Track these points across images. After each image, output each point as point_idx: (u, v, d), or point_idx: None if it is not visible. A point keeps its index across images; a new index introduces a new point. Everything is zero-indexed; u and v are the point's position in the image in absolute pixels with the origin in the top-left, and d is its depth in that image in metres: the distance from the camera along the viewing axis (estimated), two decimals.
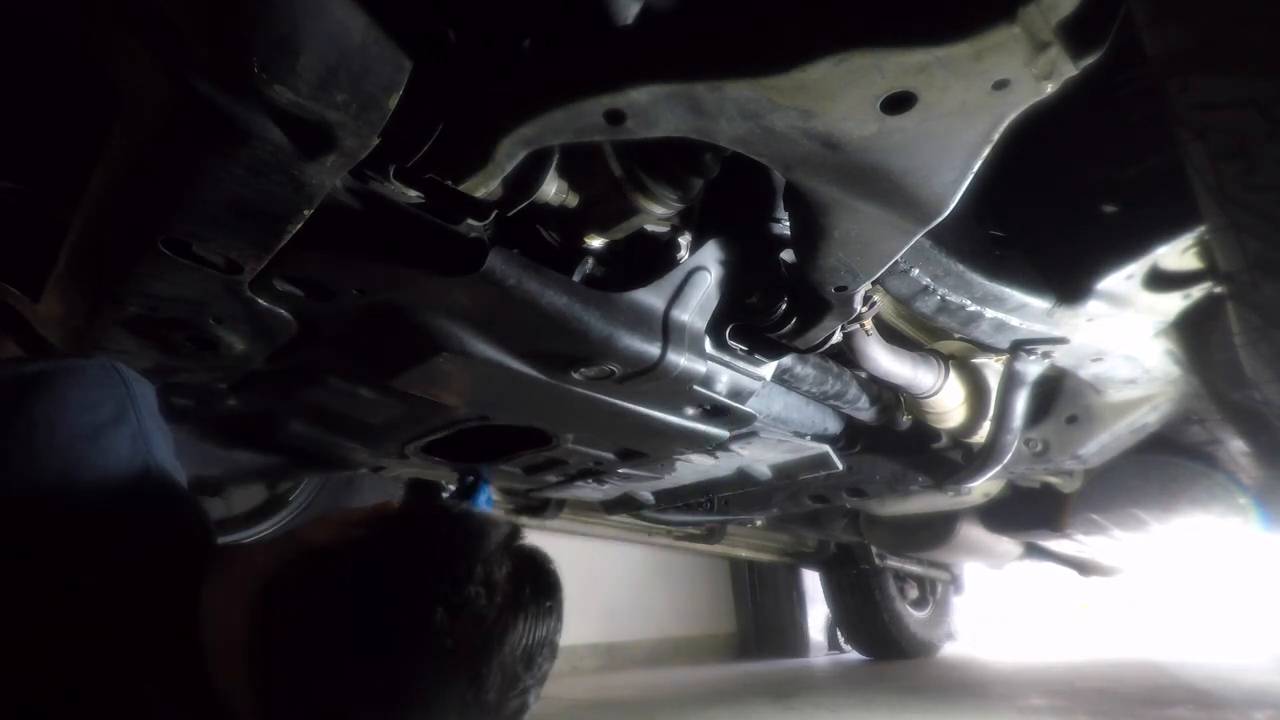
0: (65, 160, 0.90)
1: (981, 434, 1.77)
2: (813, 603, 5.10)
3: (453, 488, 1.98)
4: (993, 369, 1.71)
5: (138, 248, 0.83)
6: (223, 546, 0.95)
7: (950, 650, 4.62)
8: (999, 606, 6.19)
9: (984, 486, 2.39)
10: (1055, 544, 2.91)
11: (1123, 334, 1.57)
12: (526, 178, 0.86)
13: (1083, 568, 3.25)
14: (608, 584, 4.53)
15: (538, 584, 0.84)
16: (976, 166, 0.77)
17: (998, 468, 1.79)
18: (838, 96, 0.66)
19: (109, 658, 0.78)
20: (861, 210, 0.85)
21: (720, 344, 1.19)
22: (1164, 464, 2.17)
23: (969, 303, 1.38)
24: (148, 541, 0.86)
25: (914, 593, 4.33)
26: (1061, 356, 1.61)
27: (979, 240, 1.40)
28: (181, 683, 0.79)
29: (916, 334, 1.70)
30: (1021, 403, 1.64)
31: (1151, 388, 1.80)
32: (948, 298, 1.35)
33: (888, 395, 1.79)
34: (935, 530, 2.89)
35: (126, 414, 0.91)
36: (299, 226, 0.80)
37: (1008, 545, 3.05)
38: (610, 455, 1.57)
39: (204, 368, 1.12)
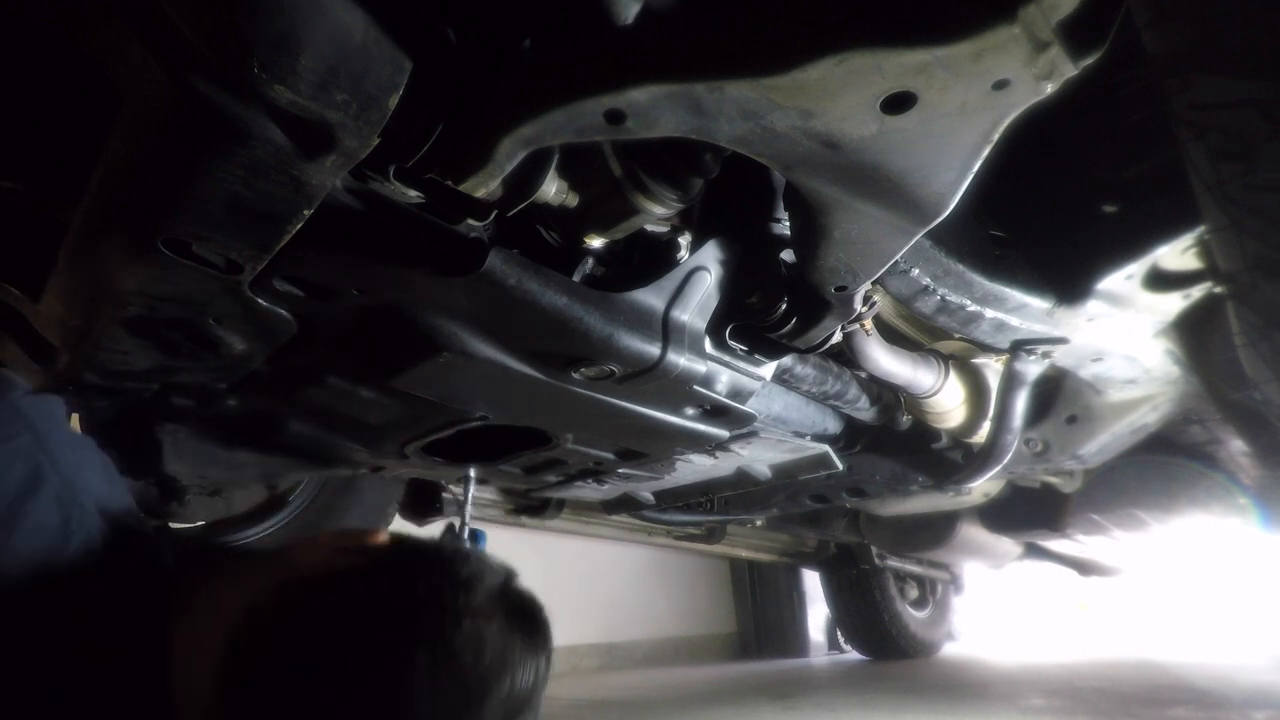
0: (65, 160, 0.90)
1: (981, 434, 1.77)
2: (813, 603, 5.10)
3: (455, 488, 1.99)
4: (993, 369, 1.71)
5: (138, 248, 0.83)
6: (191, 578, 0.88)
7: (950, 650, 4.62)
8: (999, 606, 6.19)
9: (984, 486, 2.39)
10: (1055, 544, 2.90)
11: (1123, 334, 1.57)
12: (526, 178, 0.86)
13: (1083, 568, 3.25)
14: (608, 584, 4.53)
15: (528, 635, 0.81)
16: (976, 166, 0.77)
17: (998, 468, 1.79)
18: (838, 97, 0.66)
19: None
20: (861, 210, 0.85)
21: (720, 344, 1.19)
22: (1164, 464, 2.17)
23: (969, 303, 1.38)
24: (105, 615, 0.80)
25: (914, 593, 4.34)
26: (1061, 356, 1.61)
27: (979, 240, 1.40)
28: None
29: (916, 334, 1.70)
30: (1021, 403, 1.64)
31: (1151, 388, 1.80)
32: (948, 298, 1.35)
33: (888, 395, 1.79)
34: (935, 530, 2.89)
35: (41, 469, 0.81)
36: (299, 226, 0.80)
37: (1008, 545, 3.05)
38: (610, 455, 1.57)
39: (204, 368, 1.12)
